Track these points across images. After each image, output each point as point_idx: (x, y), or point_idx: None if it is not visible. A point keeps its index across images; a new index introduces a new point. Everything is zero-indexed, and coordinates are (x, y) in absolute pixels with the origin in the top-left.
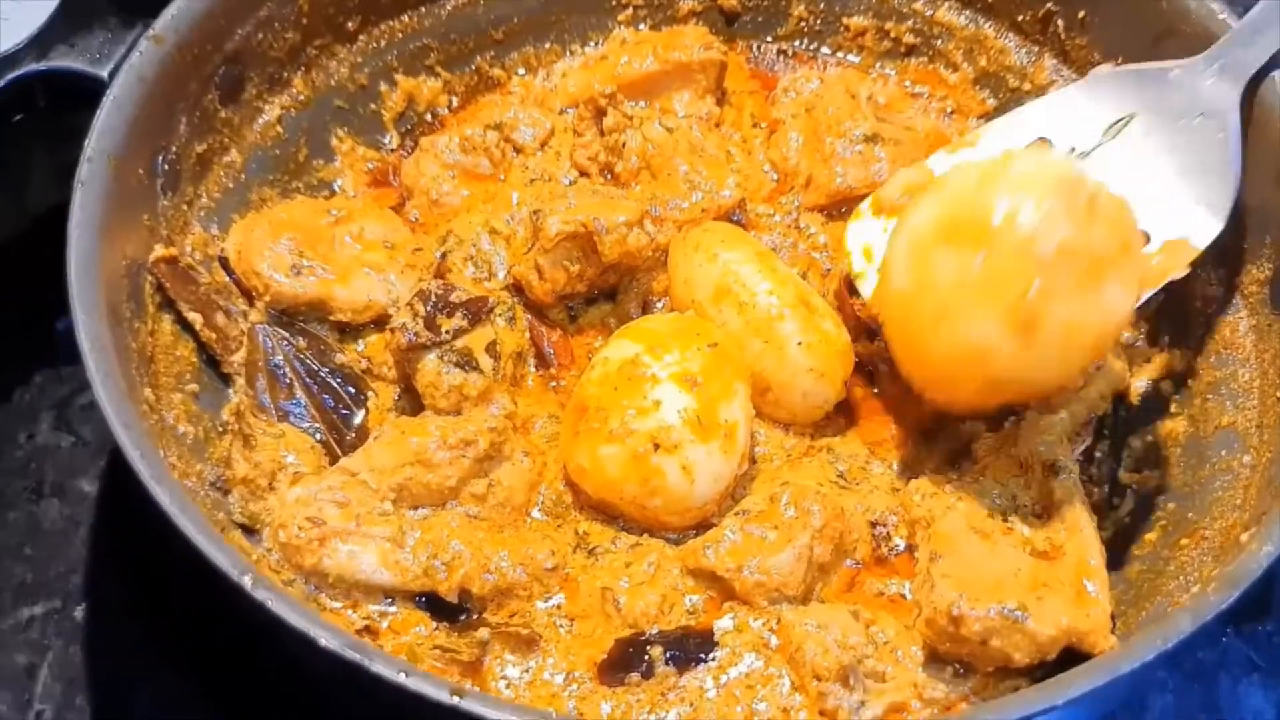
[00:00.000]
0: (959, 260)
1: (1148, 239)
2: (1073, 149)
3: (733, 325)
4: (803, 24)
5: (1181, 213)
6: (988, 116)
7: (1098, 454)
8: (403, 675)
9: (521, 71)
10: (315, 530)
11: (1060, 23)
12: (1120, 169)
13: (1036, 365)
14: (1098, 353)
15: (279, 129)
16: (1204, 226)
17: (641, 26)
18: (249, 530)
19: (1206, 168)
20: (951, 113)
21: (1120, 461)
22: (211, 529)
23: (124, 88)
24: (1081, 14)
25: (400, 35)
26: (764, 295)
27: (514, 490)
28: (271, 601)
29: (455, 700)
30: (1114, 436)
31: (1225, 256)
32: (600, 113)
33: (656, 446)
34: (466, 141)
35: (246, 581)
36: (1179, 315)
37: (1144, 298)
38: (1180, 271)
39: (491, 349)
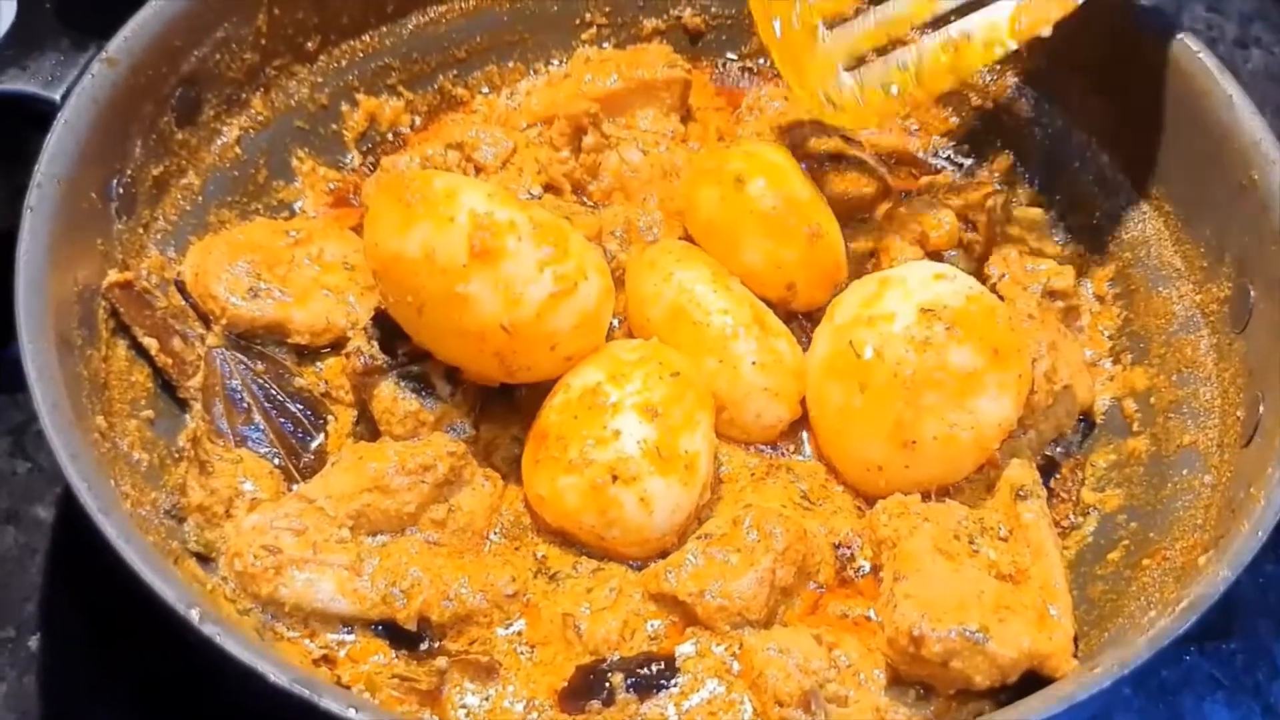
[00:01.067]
0: (844, 392)
1: None
2: None
3: (687, 345)
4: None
5: None
6: (951, 135)
7: (1062, 473)
8: (352, 710)
9: (485, 90)
10: (271, 559)
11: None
12: None
13: (927, 472)
14: (985, 453)
15: (238, 150)
16: None
17: (605, 45)
18: (204, 559)
19: None
20: (916, 130)
21: (1083, 481)
22: (160, 560)
23: (75, 111)
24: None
25: (361, 55)
26: (718, 315)
27: (474, 515)
28: (219, 636)
29: None
30: (1078, 455)
31: (1187, 275)
32: (580, 131)
33: (615, 478)
34: (427, 161)
35: (193, 615)
36: (1142, 334)
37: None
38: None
39: (450, 374)
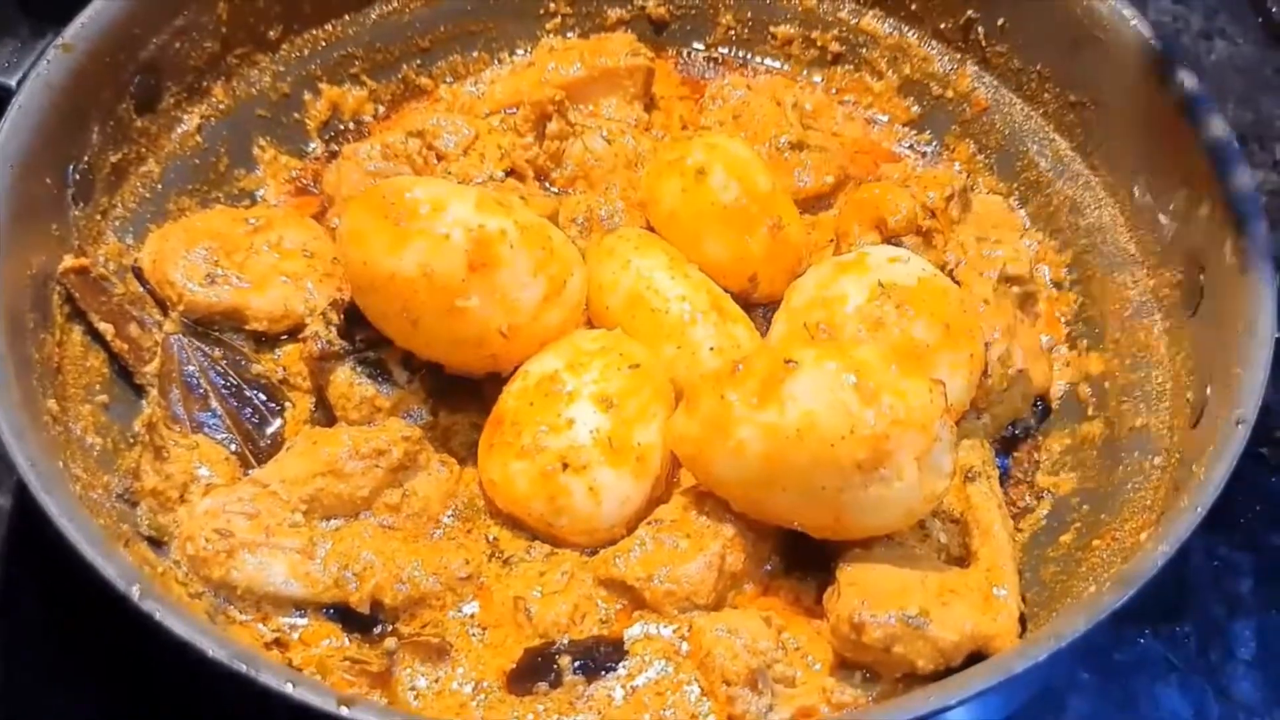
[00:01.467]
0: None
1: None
2: None
3: (645, 332)
4: (730, 32)
5: None
6: (912, 124)
7: (1017, 456)
8: (289, 685)
9: (449, 80)
10: (223, 542)
11: (980, 30)
12: None
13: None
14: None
15: (198, 138)
16: None
17: (570, 35)
18: (157, 543)
19: None
20: (879, 120)
21: (1039, 465)
22: (102, 539)
23: (30, 96)
24: (1000, 21)
25: (324, 44)
26: (676, 301)
27: (429, 500)
28: (158, 612)
29: (343, 710)
30: (1035, 439)
31: (1141, 260)
32: (545, 117)
33: (565, 466)
34: (388, 149)
35: (134, 592)
36: (1097, 320)
37: None
38: None
39: (407, 360)
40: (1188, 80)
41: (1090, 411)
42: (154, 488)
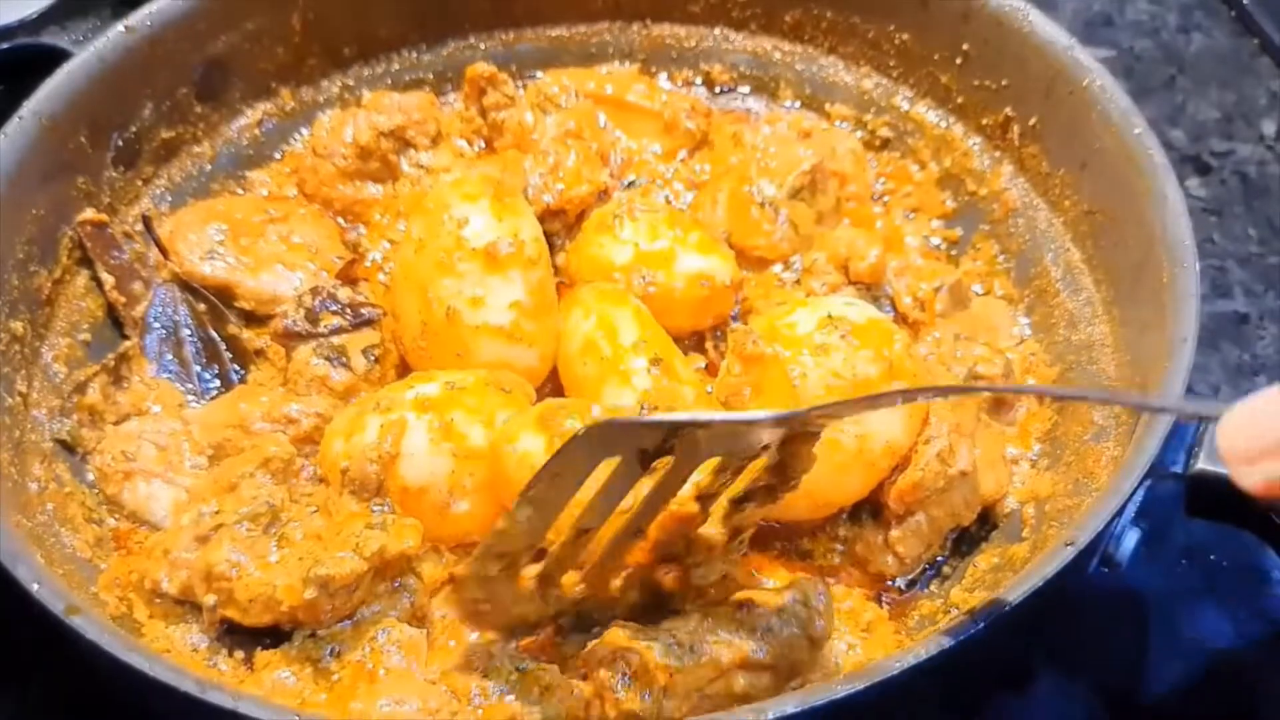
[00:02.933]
0: None
1: None
2: None
3: (591, 377)
4: (787, 105)
5: None
6: (946, 219)
7: (946, 569)
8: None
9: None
10: (125, 464)
11: (1016, 129)
12: None
13: (812, 484)
14: (871, 473)
15: (257, 131)
16: None
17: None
18: (69, 449)
19: None
20: (913, 211)
21: (961, 579)
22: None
23: (79, 63)
24: (1033, 120)
25: (397, 67)
26: (627, 351)
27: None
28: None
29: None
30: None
31: (1116, 384)
32: (481, 92)
33: None
34: (362, 148)
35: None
36: (1062, 440)
37: None
38: None
39: (369, 351)
40: (1169, 194)
41: (1025, 533)
42: (93, 404)
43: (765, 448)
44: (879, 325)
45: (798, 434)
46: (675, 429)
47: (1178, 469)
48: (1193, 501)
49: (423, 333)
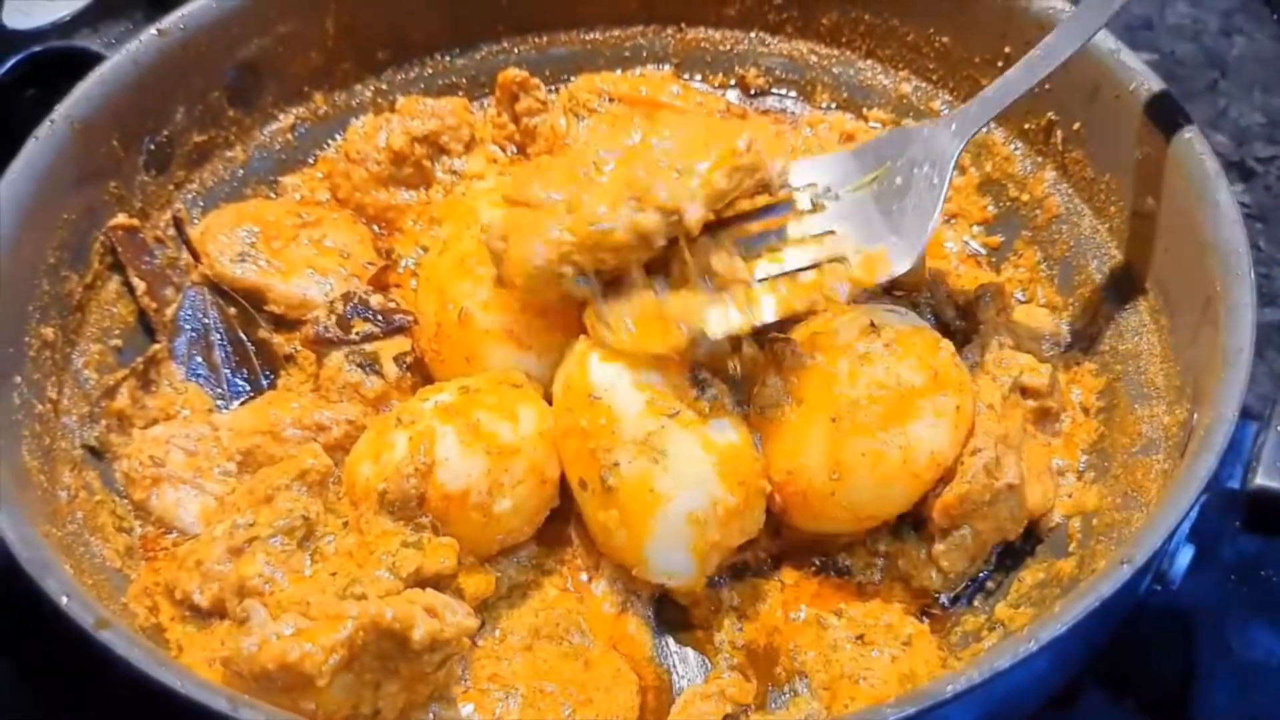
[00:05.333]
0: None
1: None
2: (829, 190)
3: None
4: (823, 109)
5: (887, 238)
6: (986, 224)
7: (990, 584)
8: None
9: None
10: (153, 469)
11: (1059, 134)
12: (861, 209)
13: (854, 497)
14: (916, 484)
15: (290, 136)
16: (901, 253)
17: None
18: (99, 456)
19: (920, 208)
20: (953, 216)
21: (1005, 594)
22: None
23: (112, 67)
24: (1077, 125)
25: (430, 71)
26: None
27: None
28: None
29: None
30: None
31: (1164, 395)
32: (513, 97)
33: None
34: (395, 154)
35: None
36: (1109, 452)
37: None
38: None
39: (400, 359)
40: (1222, 200)
41: (1071, 548)
42: (122, 409)
43: None
44: (924, 334)
45: None
46: None
47: (1234, 484)
48: (1252, 517)
49: (437, 334)
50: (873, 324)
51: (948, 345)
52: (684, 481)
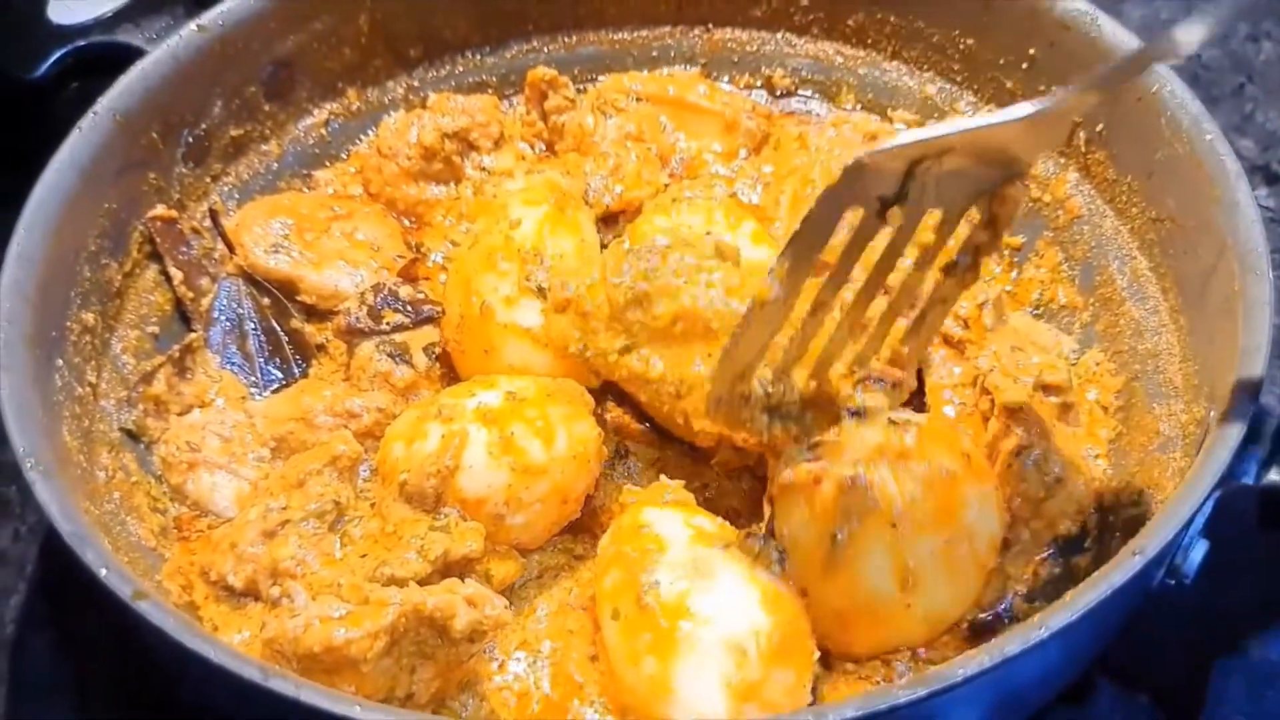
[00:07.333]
0: (822, 542)
1: None
2: None
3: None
4: (848, 109)
5: None
6: None
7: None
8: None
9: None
10: (189, 454)
11: (1082, 135)
12: None
13: (931, 603)
14: (984, 572)
15: (324, 131)
16: None
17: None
18: (136, 439)
19: None
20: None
21: (1021, 592)
22: (39, 419)
23: (153, 61)
24: (1099, 126)
25: (461, 69)
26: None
27: None
28: (38, 483)
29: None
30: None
31: (1182, 394)
32: (542, 95)
33: None
34: (426, 149)
35: (26, 462)
36: (1127, 450)
37: None
38: None
39: (430, 349)
40: (1240, 198)
41: (1087, 544)
42: (158, 395)
43: (982, 195)
44: (937, 420)
45: (1012, 177)
46: (918, 158)
47: (1249, 480)
48: (1266, 514)
49: (459, 325)
50: (892, 420)
51: (963, 429)
52: (726, 604)
